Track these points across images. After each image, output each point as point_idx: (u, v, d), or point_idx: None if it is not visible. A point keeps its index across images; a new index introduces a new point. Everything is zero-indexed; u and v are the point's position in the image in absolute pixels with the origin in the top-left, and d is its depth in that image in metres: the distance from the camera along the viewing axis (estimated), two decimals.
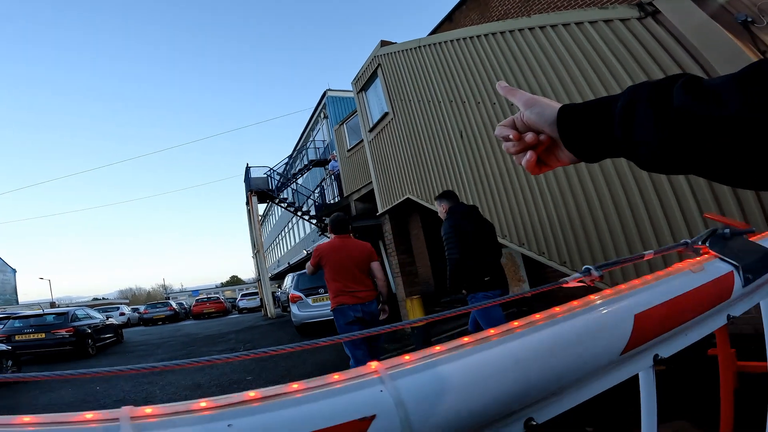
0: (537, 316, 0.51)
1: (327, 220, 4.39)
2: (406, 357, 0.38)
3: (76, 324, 10.21)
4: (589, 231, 3.95)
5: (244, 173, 17.51)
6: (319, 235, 15.53)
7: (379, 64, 7.62)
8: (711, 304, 0.77)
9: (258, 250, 18.14)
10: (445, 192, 3.38)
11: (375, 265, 3.34)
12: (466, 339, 0.44)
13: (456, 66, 5.55)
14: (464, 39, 5.35)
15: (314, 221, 15.64)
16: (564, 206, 4.18)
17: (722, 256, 0.87)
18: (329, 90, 17.57)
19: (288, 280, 11.77)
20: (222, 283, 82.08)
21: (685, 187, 3.23)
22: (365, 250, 3.34)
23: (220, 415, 0.28)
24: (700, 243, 0.92)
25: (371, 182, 8.62)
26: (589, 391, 0.57)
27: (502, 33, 4.62)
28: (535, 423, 0.49)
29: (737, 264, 0.86)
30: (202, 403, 0.29)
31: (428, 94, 6.20)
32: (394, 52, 7.07)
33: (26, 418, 0.25)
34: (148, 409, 0.27)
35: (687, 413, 2.18)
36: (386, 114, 7.50)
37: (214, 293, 44.47)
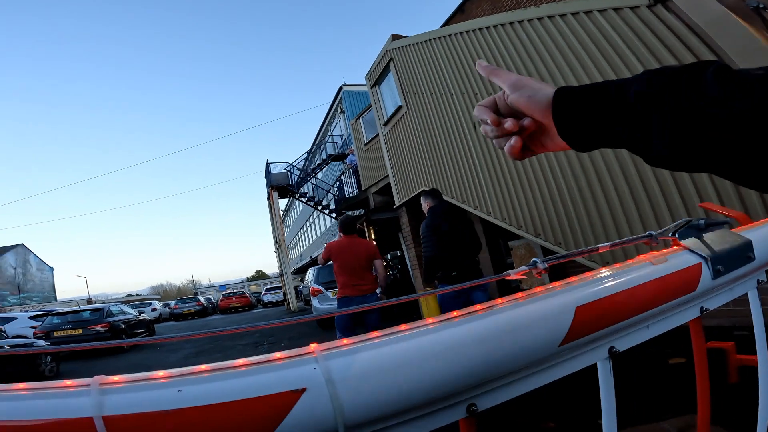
0: (477, 306, 0.57)
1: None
2: (344, 341, 0.45)
3: (111, 320, 10.72)
4: (606, 220, 3.92)
5: (264, 169, 17.83)
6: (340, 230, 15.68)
7: (391, 58, 7.63)
8: (671, 297, 0.78)
9: (280, 245, 18.48)
10: (430, 190, 3.59)
11: (377, 263, 3.77)
12: (403, 326, 0.50)
13: (467, 58, 5.53)
14: (474, 30, 5.32)
15: (334, 215, 15.83)
16: (580, 196, 4.14)
17: (691, 248, 0.89)
18: (345, 85, 17.66)
19: (309, 274, 11.98)
20: (247, 277, 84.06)
21: (704, 176, 3.17)
22: (369, 249, 3.75)
23: (173, 383, 0.35)
24: (670, 234, 0.94)
25: (388, 175, 8.67)
26: (537, 380, 0.60)
27: (511, 24, 4.57)
28: (476, 409, 0.54)
29: (705, 256, 0.88)
30: (160, 373, 0.36)
31: (441, 86, 6.20)
32: (406, 46, 7.07)
33: (21, 385, 0.32)
34: (115, 378, 0.34)
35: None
36: (400, 107, 7.52)
37: (240, 288, 45.53)
